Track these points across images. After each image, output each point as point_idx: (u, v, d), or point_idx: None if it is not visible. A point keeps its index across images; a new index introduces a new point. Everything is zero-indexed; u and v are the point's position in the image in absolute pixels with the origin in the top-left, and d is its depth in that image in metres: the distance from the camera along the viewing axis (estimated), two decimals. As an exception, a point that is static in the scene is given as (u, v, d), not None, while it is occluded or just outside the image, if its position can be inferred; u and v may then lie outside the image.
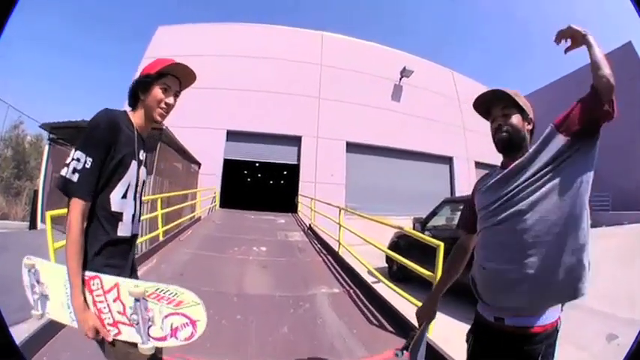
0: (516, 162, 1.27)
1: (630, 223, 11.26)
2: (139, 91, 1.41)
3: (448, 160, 17.43)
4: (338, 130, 14.80)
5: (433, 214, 6.54)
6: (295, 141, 14.48)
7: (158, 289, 1.22)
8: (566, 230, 1.15)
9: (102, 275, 1.22)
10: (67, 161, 1.21)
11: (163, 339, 1.24)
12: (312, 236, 8.71)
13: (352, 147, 15.01)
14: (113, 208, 1.29)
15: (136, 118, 1.42)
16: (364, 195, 14.58)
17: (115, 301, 1.21)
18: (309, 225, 10.05)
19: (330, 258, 6.35)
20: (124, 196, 1.33)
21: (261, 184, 28.41)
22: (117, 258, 1.32)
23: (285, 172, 20.22)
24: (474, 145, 17.77)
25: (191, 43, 14.61)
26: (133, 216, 1.40)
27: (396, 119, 15.97)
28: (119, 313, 1.21)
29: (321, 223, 9.26)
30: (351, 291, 4.51)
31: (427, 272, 3.43)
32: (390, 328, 3.38)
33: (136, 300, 1.18)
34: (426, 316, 1.64)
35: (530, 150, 1.26)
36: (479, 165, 18.07)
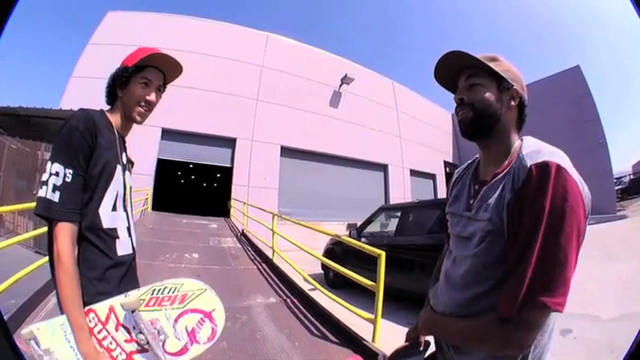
0: (495, 178, 0.91)
1: (597, 223, 11.96)
2: (116, 87, 1.22)
3: (383, 168, 17.97)
4: (273, 134, 14.56)
5: (369, 221, 6.64)
6: (230, 143, 13.98)
7: (154, 290, 1.04)
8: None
9: (94, 306, 1.01)
10: (44, 178, 1.01)
11: (184, 351, 1.03)
12: (245, 242, 8.43)
13: (287, 151, 14.85)
14: (105, 225, 1.11)
15: (115, 117, 1.23)
16: (297, 200, 14.52)
17: (117, 329, 1.00)
18: (242, 230, 9.73)
19: (264, 265, 6.16)
20: (114, 208, 1.15)
21: (195, 187, 27.35)
22: (124, 283, 1.14)
23: (218, 175, 19.54)
24: (409, 154, 18.62)
25: (134, 32, 13.13)
26: (128, 229, 1.23)
27: (332, 125, 16.16)
28: (127, 341, 1.00)
29: (254, 229, 9.00)
30: (288, 300, 4.38)
31: (368, 282, 3.40)
32: (334, 339, 3.31)
33: (133, 313, 0.98)
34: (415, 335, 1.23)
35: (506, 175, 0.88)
36: (414, 173, 19.01)
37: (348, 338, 3.29)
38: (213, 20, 15.27)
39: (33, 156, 8.77)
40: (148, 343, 0.98)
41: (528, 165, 0.79)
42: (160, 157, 12.97)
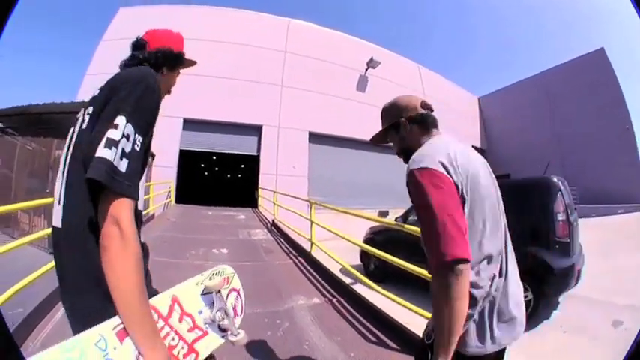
0: None
1: (626, 212, 11.46)
2: (165, 65, 1.13)
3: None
4: (300, 120, 14.11)
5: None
6: (255, 131, 13.59)
7: (213, 274, 1.09)
8: None
9: (153, 300, 0.87)
10: (115, 137, 0.76)
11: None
12: (277, 233, 7.98)
13: (315, 138, 14.38)
14: (139, 206, 0.95)
15: None
16: (328, 187, 14.07)
17: (180, 320, 0.92)
18: (272, 221, 9.29)
19: (301, 259, 5.67)
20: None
21: (220, 178, 27.32)
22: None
23: (243, 165, 19.28)
24: (439, 138, 17.92)
25: (152, 25, 13.01)
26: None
27: (360, 110, 15.50)
28: (189, 330, 0.92)
29: (284, 218, 8.53)
30: (334, 300, 3.87)
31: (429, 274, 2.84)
32: (393, 344, 2.79)
33: (218, 293, 1.02)
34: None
35: None
36: (443, 157, 18.25)
37: (410, 343, 2.75)
38: (230, 8, 14.82)
39: (47, 155, 8.46)
40: (223, 318, 0.98)
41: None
42: (182, 149, 12.71)
